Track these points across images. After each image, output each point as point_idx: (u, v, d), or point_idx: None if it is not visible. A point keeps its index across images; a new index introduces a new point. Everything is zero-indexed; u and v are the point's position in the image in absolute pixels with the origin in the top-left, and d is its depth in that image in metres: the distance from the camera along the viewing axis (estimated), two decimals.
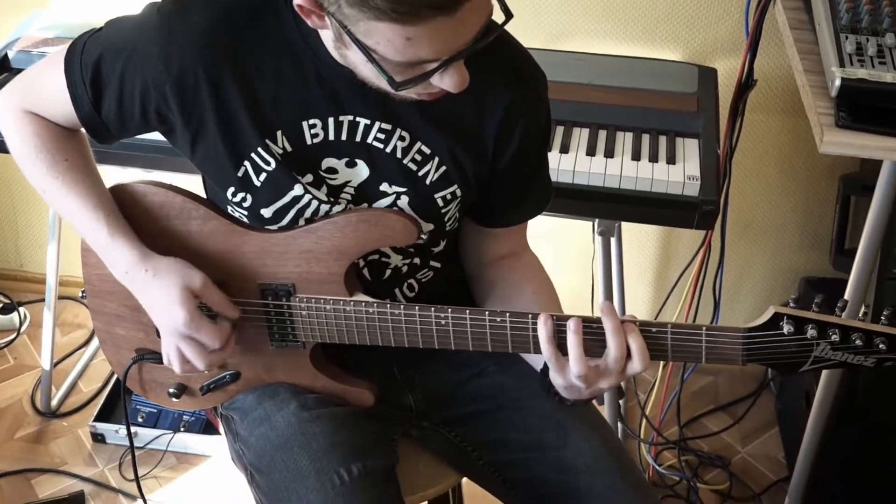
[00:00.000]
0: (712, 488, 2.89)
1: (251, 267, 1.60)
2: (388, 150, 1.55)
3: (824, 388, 2.37)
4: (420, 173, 1.57)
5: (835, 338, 1.40)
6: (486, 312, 1.51)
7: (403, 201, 1.57)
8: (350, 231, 1.55)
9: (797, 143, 2.87)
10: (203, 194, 1.70)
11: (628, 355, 1.45)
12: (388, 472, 1.64)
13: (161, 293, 1.55)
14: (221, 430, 1.82)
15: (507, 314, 1.50)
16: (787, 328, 1.41)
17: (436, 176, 1.57)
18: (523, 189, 1.69)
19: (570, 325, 1.45)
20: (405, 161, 1.56)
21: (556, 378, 1.52)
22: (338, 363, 1.73)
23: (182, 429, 2.92)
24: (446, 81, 1.34)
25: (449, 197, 1.60)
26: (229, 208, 1.60)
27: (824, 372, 2.33)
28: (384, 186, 1.56)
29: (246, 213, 1.58)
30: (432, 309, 1.52)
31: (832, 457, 2.51)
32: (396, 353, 1.66)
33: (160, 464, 2.90)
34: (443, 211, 1.61)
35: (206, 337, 1.55)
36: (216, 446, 2.92)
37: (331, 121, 1.52)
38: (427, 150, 1.56)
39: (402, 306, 1.54)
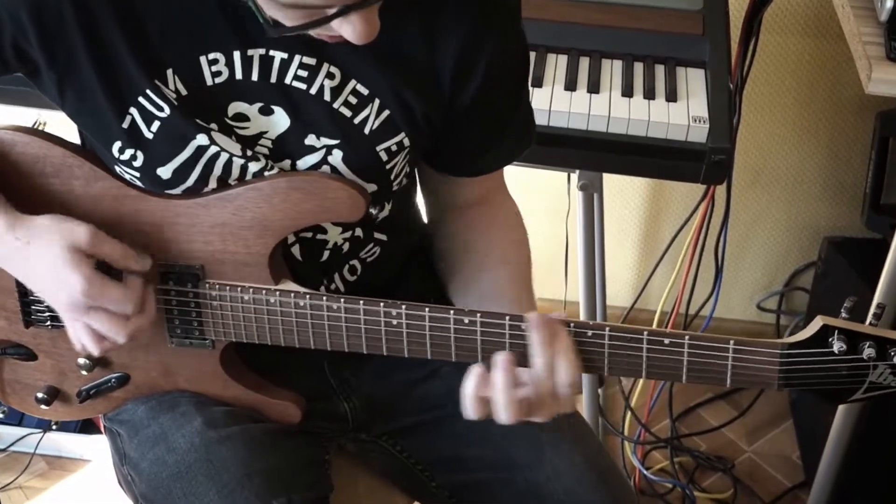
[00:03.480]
0: (713, 497, 2.90)
1: (148, 242, 1.54)
2: (314, 91, 1.49)
3: None
4: (356, 121, 1.51)
5: None
6: (451, 312, 1.45)
7: (336, 157, 1.52)
8: (279, 201, 1.49)
9: (821, 70, 2.87)
10: None
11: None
12: None
13: (43, 263, 1.47)
14: (107, 443, 1.78)
15: (478, 315, 1.44)
16: (837, 346, 1.35)
17: (377, 123, 1.52)
18: (494, 131, 1.65)
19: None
20: (336, 105, 1.50)
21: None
22: (254, 364, 1.69)
23: (54, 427, 2.88)
24: (346, 30, 1.29)
25: (394, 148, 1.55)
26: (117, 170, 1.53)
27: None
28: (310, 139, 1.51)
29: (138, 174, 1.51)
30: (381, 304, 1.47)
31: (865, 458, 2.51)
32: (329, 350, 1.61)
33: (27, 470, 2.88)
34: (387, 167, 1.56)
35: (115, 301, 1.47)
36: (97, 449, 2.88)
37: (236, 55, 1.46)
38: (364, 91, 1.51)
39: (342, 299, 1.49)
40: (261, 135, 1.51)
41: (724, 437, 3.05)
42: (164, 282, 1.56)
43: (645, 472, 2.91)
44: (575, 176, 2.43)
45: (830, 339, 1.35)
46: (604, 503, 1.62)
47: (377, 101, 1.51)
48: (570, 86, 2.22)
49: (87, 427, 2.87)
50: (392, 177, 1.58)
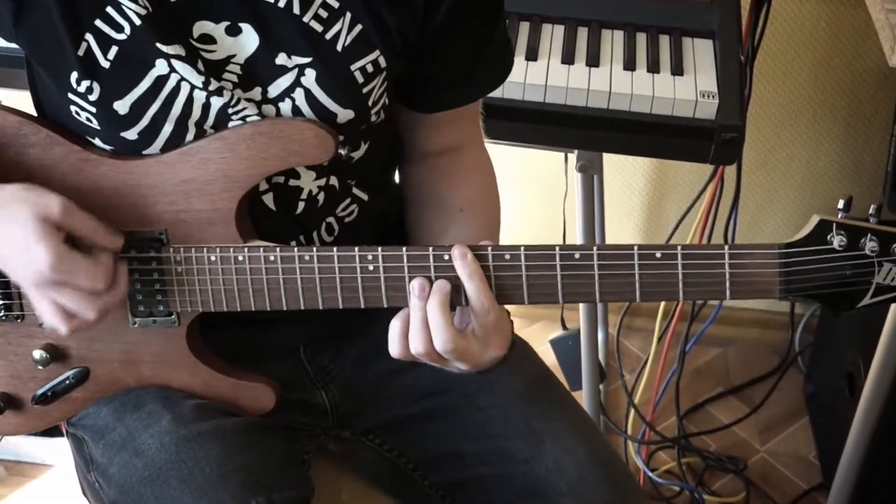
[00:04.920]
0: (723, 500, 2.89)
1: (109, 209, 1.54)
2: (282, 4, 1.51)
3: (881, 361, 2.33)
4: (328, 36, 1.53)
5: None
6: (430, 250, 1.48)
7: (309, 78, 1.53)
8: (243, 148, 1.50)
9: (838, 39, 2.85)
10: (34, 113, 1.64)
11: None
12: None
13: (8, 234, 1.46)
14: (70, 447, 1.78)
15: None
16: (837, 240, 1.37)
17: (349, 39, 1.54)
18: (470, 56, 1.67)
19: (414, 288, 1.46)
20: (306, 19, 1.52)
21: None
22: (223, 352, 1.69)
23: None
24: None
25: (370, 69, 1.56)
26: (73, 109, 1.53)
27: (881, 342, 2.32)
28: (281, 58, 1.52)
29: (94, 111, 1.51)
30: (356, 250, 1.49)
31: (887, 457, 2.50)
32: (304, 333, 1.68)
33: None
34: (364, 90, 1.57)
35: (85, 277, 1.46)
36: (60, 452, 2.88)
37: None
38: (334, 3, 1.52)
39: (314, 249, 1.51)
40: (228, 59, 1.51)
41: (736, 436, 3.04)
42: (125, 251, 1.55)
43: (650, 473, 2.90)
44: (573, 156, 2.41)
45: (829, 236, 1.38)
46: (610, 498, 1.62)
47: (348, 15, 1.52)
48: (568, 59, 2.22)
49: (49, 429, 2.83)
50: (370, 103, 1.58)
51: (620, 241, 3.14)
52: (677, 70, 2.19)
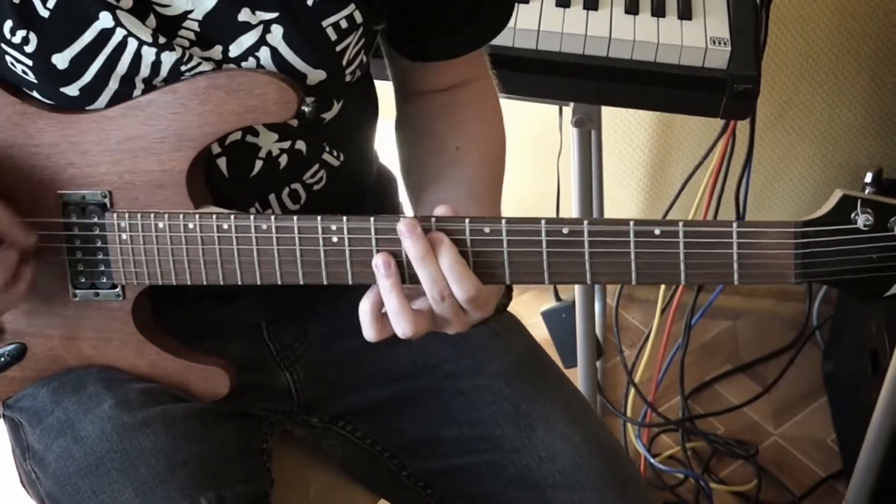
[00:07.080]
0: (732, 490, 2.90)
1: (49, 169, 1.54)
2: None
3: None
4: None
5: None
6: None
7: (275, 35, 1.50)
8: (196, 104, 1.48)
9: None
10: None
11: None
12: (259, 502, 1.61)
13: None
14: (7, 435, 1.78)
15: (433, 220, 1.43)
16: (862, 219, 1.32)
17: None
18: (463, 4, 1.66)
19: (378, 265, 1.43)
20: None
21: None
22: (174, 330, 1.68)
23: None
24: None
25: (344, 24, 1.54)
26: (8, 60, 1.51)
27: None
28: (244, 14, 1.49)
29: (31, 63, 1.48)
30: (318, 220, 1.46)
31: None
32: (267, 308, 1.68)
33: None
34: (337, 48, 1.55)
35: None
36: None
37: None
38: None
39: (272, 218, 1.48)
40: (185, 15, 1.49)
41: (746, 418, 3.05)
42: (66, 215, 1.55)
43: (651, 459, 2.90)
44: (568, 109, 2.41)
45: (854, 214, 1.32)
46: (608, 488, 1.62)
47: None
48: (564, 1, 2.20)
49: None
50: (344, 62, 1.57)
51: (620, 204, 3.20)
52: (685, 14, 2.18)
